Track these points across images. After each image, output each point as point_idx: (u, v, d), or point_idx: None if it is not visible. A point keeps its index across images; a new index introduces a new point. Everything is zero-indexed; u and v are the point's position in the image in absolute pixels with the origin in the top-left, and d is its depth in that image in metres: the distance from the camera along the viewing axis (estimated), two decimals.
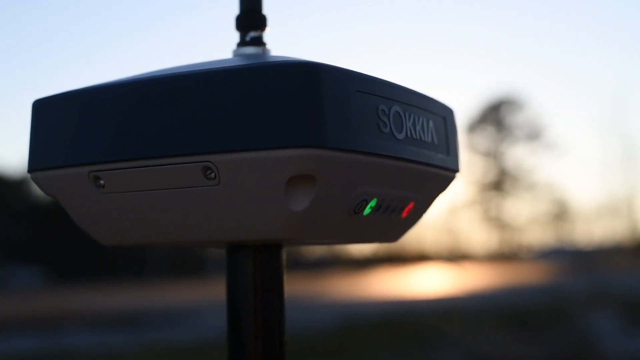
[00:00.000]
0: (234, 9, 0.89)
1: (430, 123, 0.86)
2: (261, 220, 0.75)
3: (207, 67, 0.75)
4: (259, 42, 0.88)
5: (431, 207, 0.94)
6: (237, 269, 0.86)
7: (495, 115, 32.85)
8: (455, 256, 32.85)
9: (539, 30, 46.32)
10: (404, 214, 0.88)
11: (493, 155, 33.28)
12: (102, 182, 0.80)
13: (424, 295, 14.44)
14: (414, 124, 0.83)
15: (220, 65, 0.75)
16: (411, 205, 0.88)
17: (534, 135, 32.97)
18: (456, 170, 0.93)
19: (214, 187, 0.74)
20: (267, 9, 0.89)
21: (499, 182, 33.35)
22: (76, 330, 9.63)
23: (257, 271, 0.85)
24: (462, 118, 36.79)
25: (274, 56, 0.83)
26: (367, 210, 0.81)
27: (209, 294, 14.76)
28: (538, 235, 35.45)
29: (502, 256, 33.13)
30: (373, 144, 0.76)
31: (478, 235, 37.25)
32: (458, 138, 0.94)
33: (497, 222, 34.21)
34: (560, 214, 34.40)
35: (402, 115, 0.81)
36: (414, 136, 0.83)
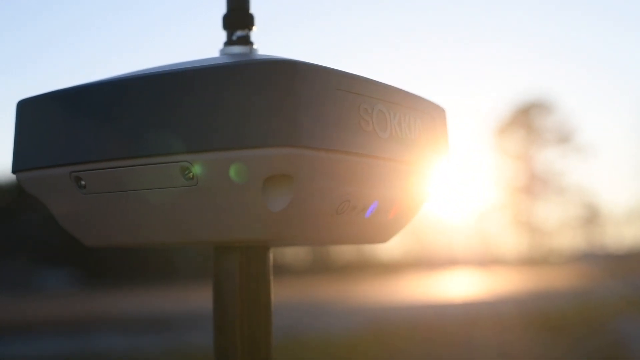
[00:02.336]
0: (223, 8, 0.88)
1: (418, 122, 0.85)
2: (241, 220, 0.74)
3: (184, 67, 0.74)
4: (245, 41, 0.87)
5: (421, 207, 0.92)
6: (223, 271, 0.85)
7: (525, 119, 32.70)
8: (486, 260, 32.69)
9: (568, 32, 46.03)
10: (392, 214, 0.86)
11: (523, 159, 33.12)
12: (83, 182, 0.79)
13: (453, 300, 14.36)
14: (399, 123, 0.81)
15: (200, 65, 0.74)
16: (398, 205, 0.86)
17: (564, 138, 32.79)
18: (447, 170, 0.91)
19: (192, 187, 0.73)
20: (257, 9, 0.88)
21: (529, 186, 33.21)
22: (107, 333, 9.64)
23: (243, 273, 0.84)
24: (491, 121, 36.58)
25: (260, 55, 0.82)
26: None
27: None
28: (569, 239, 35.27)
29: (532, 260, 32.94)
30: (354, 142, 0.75)
31: (508, 240, 37.03)
32: (448, 137, 0.92)
33: (528, 226, 34.04)
34: (591, 217, 34.16)
35: (386, 113, 0.79)
36: (400, 135, 0.81)
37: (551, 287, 17.58)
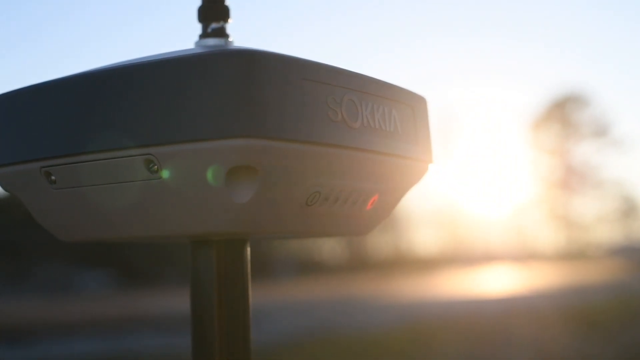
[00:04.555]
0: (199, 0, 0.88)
1: (394, 112, 0.84)
2: (207, 213, 0.73)
3: (148, 59, 0.74)
4: (221, 33, 0.86)
5: (401, 198, 0.91)
6: (200, 265, 0.84)
7: (561, 113, 32.48)
8: (522, 255, 32.51)
9: (603, 25, 45.64)
10: (369, 206, 0.85)
11: (559, 153, 32.88)
12: (53, 177, 0.79)
13: (490, 295, 14.30)
14: (372, 113, 0.80)
15: (163, 57, 0.74)
16: (375, 197, 0.85)
17: (600, 131, 32.54)
18: (427, 160, 0.90)
19: (157, 180, 0.73)
20: (234, 1, 0.88)
21: (566, 180, 32.98)
22: (146, 333, 9.69)
23: (220, 267, 0.84)
24: (527, 116, 36.37)
25: (235, 47, 0.81)
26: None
27: (275, 296, 14.83)
28: (606, 233, 35.00)
29: (569, 255, 32.71)
30: (321, 133, 0.74)
31: (545, 234, 36.73)
32: (430, 127, 0.91)
33: (564, 221, 33.80)
34: (629, 210, 33.88)
35: (357, 103, 0.78)
36: (373, 125, 0.80)
37: (589, 281, 17.48)
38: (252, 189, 0.71)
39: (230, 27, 0.87)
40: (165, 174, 0.72)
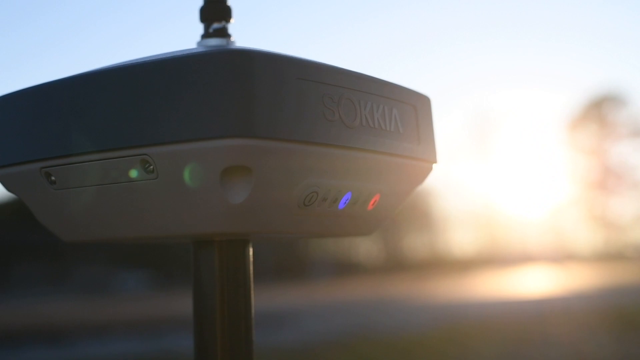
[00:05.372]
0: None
1: (395, 111, 0.83)
2: (202, 213, 0.73)
3: (144, 60, 0.74)
4: (222, 33, 0.85)
5: (405, 198, 0.90)
6: (202, 265, 0.84)
7: (598, 112, 32.23)
8: (560, 256, 32.26)
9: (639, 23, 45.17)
10: (370, 206, 0.84)
11: (596, 153, 32.62)
12: (53, 178, 0.79)
13: (528, 296, 14.21)
14: (371, 112, 0.79)
15: (159, 57, 0.73)
16: (377, 197, 0.84)
17: (638, 131, 32.25)
18: (431, 160, 0.89)
19: (153, 181, 0.73)
20: (237, 1, 0.87)
21: (603, 181, 32.71)
22: (184, 333, 9.72)
23: (222, 267, 0.83)
24: (564, 116, 36.12)
25: (232, 47, 0.81)
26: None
27: (312, 296, 14.84)
28: None
29: (607, 255, 32.44)
30: (317, 132, 0.73)
31: (582, 235, 36.41)
32: (434, 127, 0.90)
33: (602, 221, 33.53)
34: None
35: (355, 102, 0.77)
36: (372, 125, 0.79)
37: (626, 282, 17.33)
38: (247, 189, 0.71)
39: (234, 27, 0.87)
40: (161, 174, 0.72)
